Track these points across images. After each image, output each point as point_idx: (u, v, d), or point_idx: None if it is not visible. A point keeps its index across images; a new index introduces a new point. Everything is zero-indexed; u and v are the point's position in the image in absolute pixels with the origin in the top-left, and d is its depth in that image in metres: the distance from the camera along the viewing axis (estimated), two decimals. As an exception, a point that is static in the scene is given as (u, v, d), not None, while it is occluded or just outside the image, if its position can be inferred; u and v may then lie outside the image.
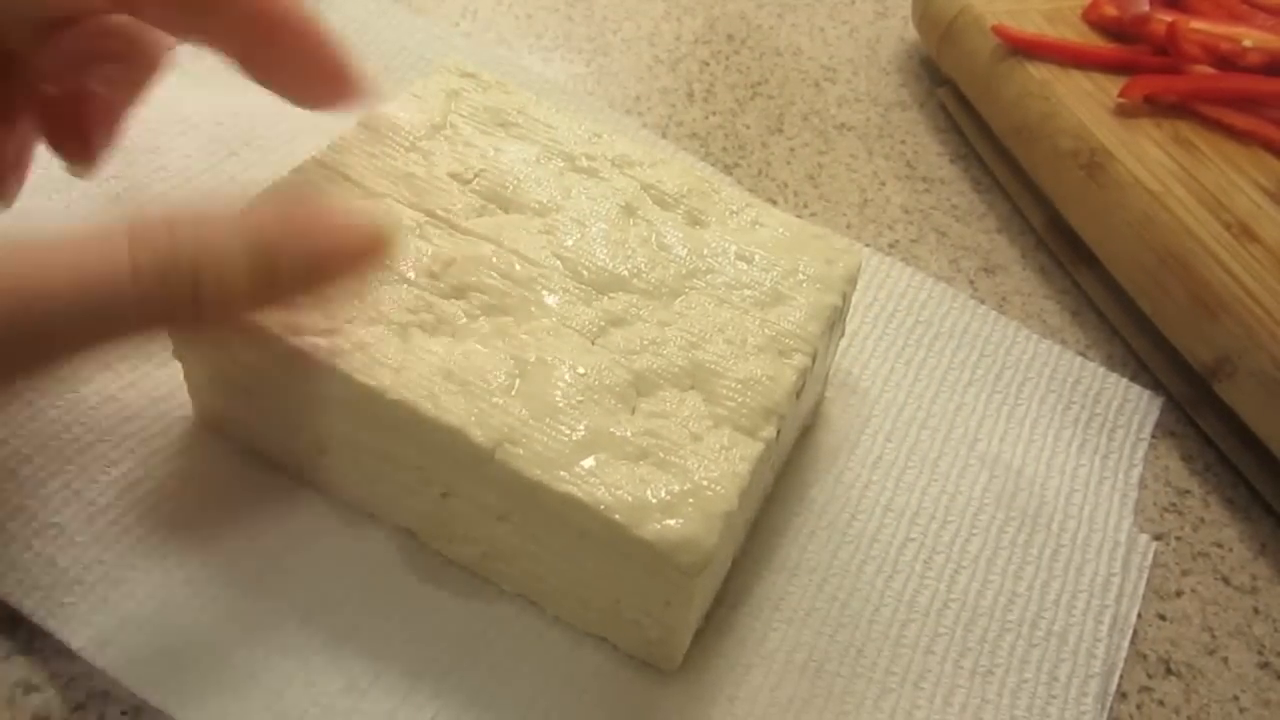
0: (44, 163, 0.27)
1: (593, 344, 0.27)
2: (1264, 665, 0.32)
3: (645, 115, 0.46)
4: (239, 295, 0.21)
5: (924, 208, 0.45)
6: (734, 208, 0.32)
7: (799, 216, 0.41)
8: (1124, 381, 0.39)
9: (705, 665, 0.28)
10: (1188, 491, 0.36)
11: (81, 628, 0.25)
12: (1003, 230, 0.45)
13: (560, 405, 0.25)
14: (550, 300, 0.27)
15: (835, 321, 0.30)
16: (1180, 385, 0.39)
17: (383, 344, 0.25)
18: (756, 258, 0.30)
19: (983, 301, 0.41)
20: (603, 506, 0.23)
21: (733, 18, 0.53)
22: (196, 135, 0.38)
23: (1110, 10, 0.47)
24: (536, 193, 0.30)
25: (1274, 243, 0.37)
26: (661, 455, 0.25)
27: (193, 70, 0.41)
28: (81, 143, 0.27)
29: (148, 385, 0.30)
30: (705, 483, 0.24)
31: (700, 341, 0.27)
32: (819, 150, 0.47)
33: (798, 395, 0.28)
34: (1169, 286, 0.38)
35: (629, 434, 0.25)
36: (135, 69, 0.27)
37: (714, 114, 0.47)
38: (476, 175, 0.30)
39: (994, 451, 0.35)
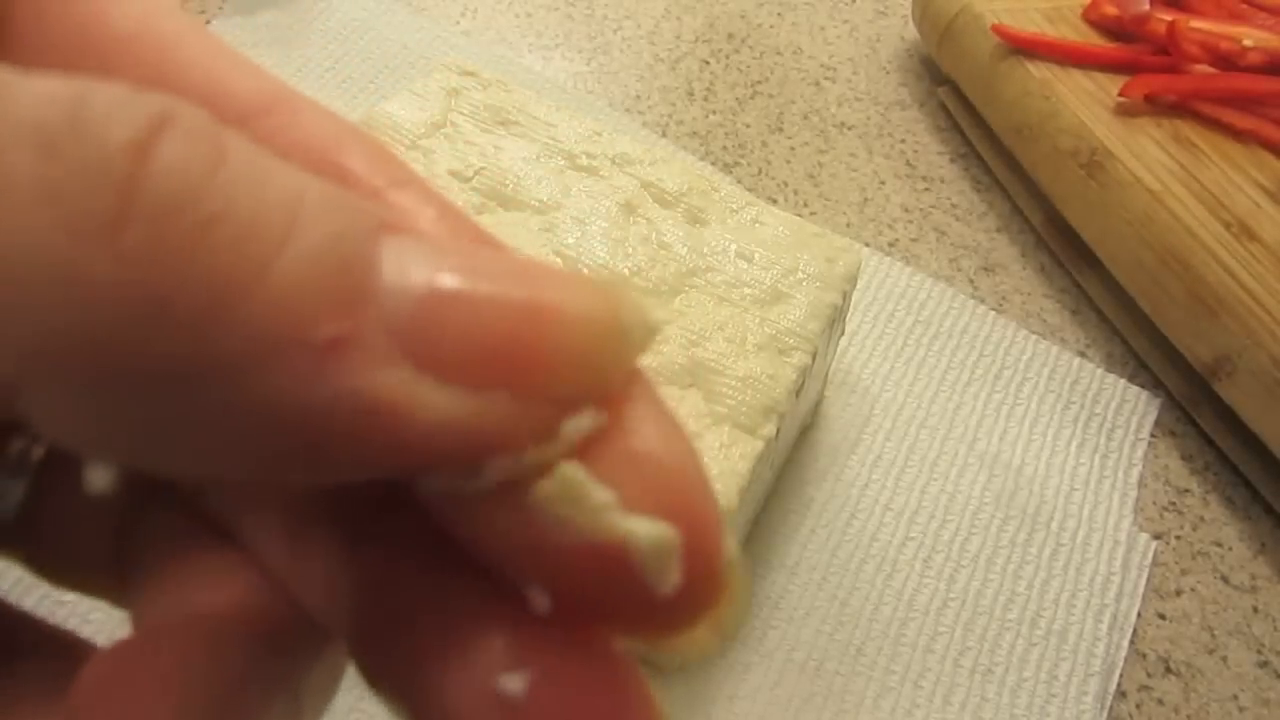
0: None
1: (592, 342, 0.27)
2: (1263, 664, 0.32)
3: (645, 114, 0.46)
4: None
5: (924, 207, 0.45)
6: (734, 206, 0.32)
7: (799, 215, 0.41)
8: (1123, 381, 0.39)
9: (705, 664, 0.28)
10: (1187, 491, 0.36)
11: (81, 626, 0.25)
12: (1003, 229, 0.45)
13: (560, 403, 0.25)
14: (550, 298, 0.27)
15: (835, 320, 0.30)
16: (1180, 384, 0.39)
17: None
18: (756, 256, 0.30)
19: (982, 300, 0.41)
20: (602, 504, 0.23)
21: (733, 17, 0.53)
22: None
23: (1110, 9, 0.47)
24: (536, 191, 0.30)
25: (1274, 242, 0.37)
26: (661, 453, 0.25)
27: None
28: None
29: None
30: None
31: (700, 339, 0.27)
32: (819, 149, 0.47)
33: (797, 394, 0.28)
34: (1169, 285, 0.38)
35: (629, 432, 0.25)
36: None
37: (714, 113, 0.47)
38: (476, 173, 0.30)
39: (993, 451, 0.35)
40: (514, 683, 0.09)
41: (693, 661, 0.09)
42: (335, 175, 0.11)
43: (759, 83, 0.50)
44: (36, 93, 0.08)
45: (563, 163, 0.31)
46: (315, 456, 0.09)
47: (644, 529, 0.09)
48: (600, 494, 0.09)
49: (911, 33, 0.54)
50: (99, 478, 0.10)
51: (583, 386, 0.09)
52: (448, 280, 0.09)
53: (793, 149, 0.46)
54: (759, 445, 0.26)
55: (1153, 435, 0.37)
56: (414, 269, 0.09)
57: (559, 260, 0.28)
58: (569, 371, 0.09)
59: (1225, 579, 0.34)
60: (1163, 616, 0.33)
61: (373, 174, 0.11)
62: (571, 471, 0.09)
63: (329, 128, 0.12)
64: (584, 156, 0.32)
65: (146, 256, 0.08)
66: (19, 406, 0.08)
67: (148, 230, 0.08)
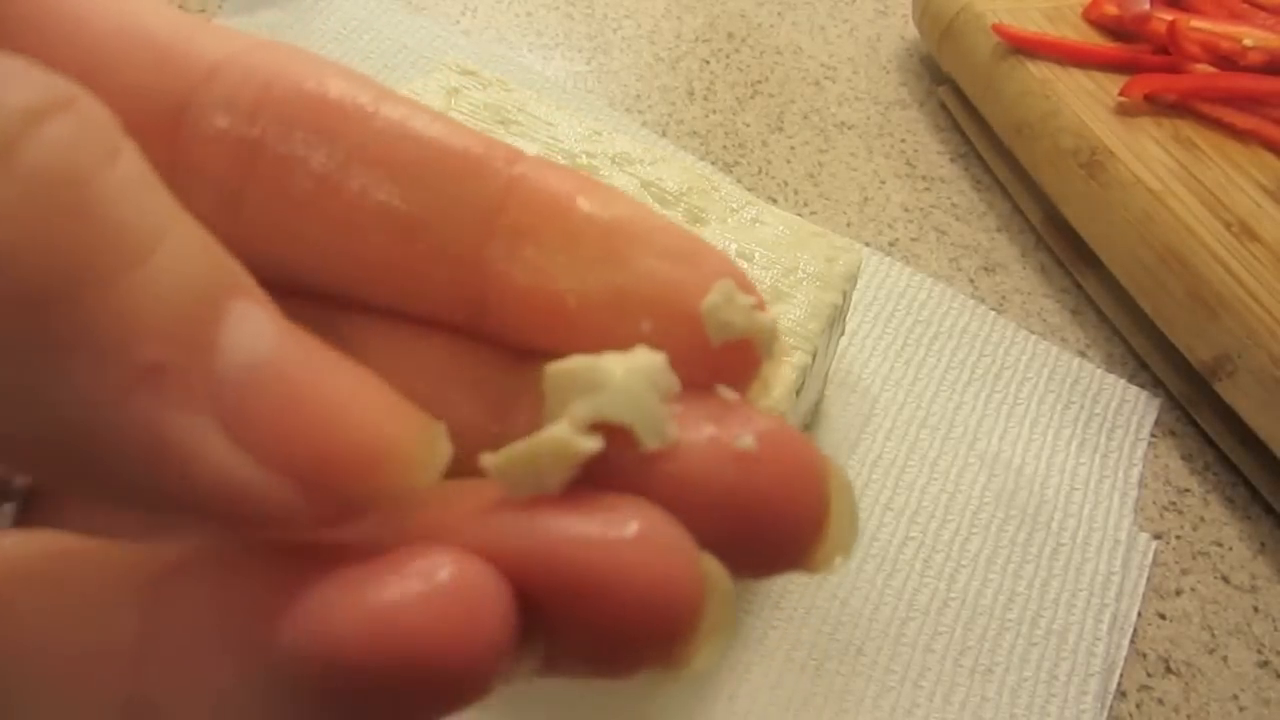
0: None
1: (592, 342, 0.27)
2: (1263, 664, 0.32)
3: (645, 113, 0.46)
4: None
5: (924, 206, 0.45)
6: (734, 206, 0.32)
7: (799, 215, 0.41)
8: (1123, 381, 0.39)
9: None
10: (1187, 490, 0.36)
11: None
12: (1003, 229, 0.45)
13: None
14: (550, 298, 0.27)
15: (835, 320, 0.30)
16: (1180, 384, 0.39)
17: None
18: (756, 256, 0.30)
19: (983, 300, 0.41)
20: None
21: (733, 16, 0.53)
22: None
23: (1111, 9, 0.47)
24: (536, 190, 0.30)
25: (1274, 241, 0.37)
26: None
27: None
28: None
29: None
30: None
31: (700, 339, 0.27)
32: (819, 149, 0.47)
33: (798, 393, 0.28)
34: (1169, 285, 0.38)
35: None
36: None
37: (714, 112, 0.47)
38: (476, 173, 0.30)
39: (994, 450, 0.35)
40: (747, 440, 0.11)
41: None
42: (319, 101, 0.12)
43: (759, 82, 0.49)
44: None
45: (563, 162, 0.31)
46: (94, 469, 0.09)
47: (768, 320, 0.12)
48: (746, 298, 0.12)
49: (911, 32, 0.54)
50: None
51: (364, 499, 0.10)
52: (278, 363, 0.09)
53: (793, 148, 0.46)
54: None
55: (1153, 435, 0.37)
56: (254, 337, 0.09)
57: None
58: (353, 485, 0.10)
59: (1225, 579, 0.34)
60: (1163, 616, 0.33)
61: (356, 93, 0.12)
62: (727, 284, 0.12)
63: (308, 62, 0.12)
64: (584, 156, 0.32)
65: (16, 209, 0.08)
66: None
67: (18, 190, 0.08)
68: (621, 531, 0.10)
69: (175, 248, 0.09)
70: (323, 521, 0.10)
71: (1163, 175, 0.40)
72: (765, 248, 0.30)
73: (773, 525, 0.11)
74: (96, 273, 0.08)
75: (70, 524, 0.12)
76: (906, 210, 0.45)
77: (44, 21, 0.12)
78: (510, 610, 0.10)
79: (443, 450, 0.10)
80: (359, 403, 0.10)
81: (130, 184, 0.09)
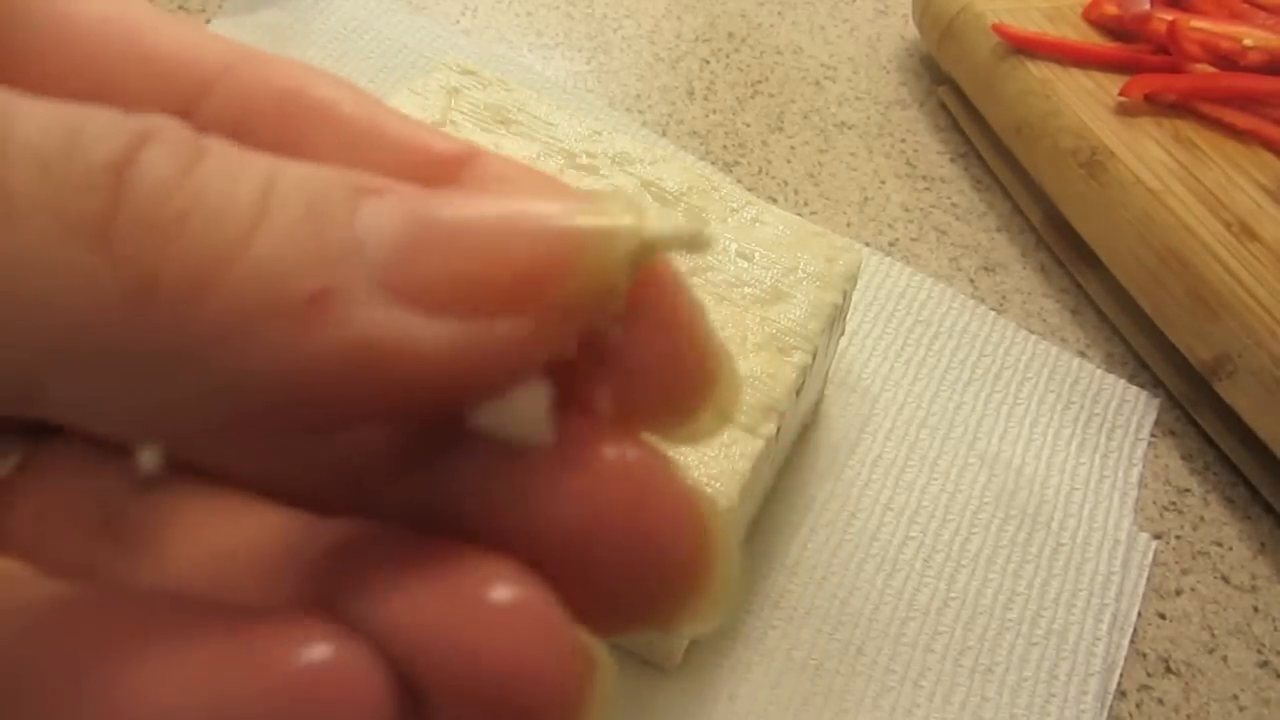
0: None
1: (593, 341, 0.27)
2: (1263, 664, 0.32)
3: (645, 113, 0.46)
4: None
5: (924, 206, 0.45)
6: (734, 205, 0.32)
7: (799, 215, 0.41)
8: (1123, 381, 0.39)
9: (705, 663, 0.28)
10: (1187, 490, 0.36)
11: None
12: (1003, 229, 0.45)
13: (560, 403, 0.25)
14: (550, 297, 0.27)
15: (835, 319, 0.30)
16: (1180, 384, 0.39)
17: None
18: (756, 255, 0.30)
19: (983, 300, 0.41)
20: (602, 504, 0.23)
21: (733, 16, 0.53)
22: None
23: (1111, 9, 0.47)
24: (536, 190, 0.30)
25: (1274, 241, 0.37)
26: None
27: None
28: None
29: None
30: (705, 479, 0.24)
31: (700, 339, 0.27)
32: (819, 148, 0.47)
33: (798, 393, 0.28)
34: (1169, 285, 0.38)
35: (629, 431, 0.25)
36: None
37: (714, 112, 0.47)
38: (476, 172, 0.30)
39: (994, 450, 0.35)
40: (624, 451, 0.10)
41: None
42: (310, 108, 0.12)
43: (759, 82, 0.49)
44: (35, 119, 0.09)
45: (563, 162, 0.31)
46: (326, 405, 0.09)
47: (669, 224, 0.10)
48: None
49: (911, 32, 0.54)
50: (148, 459, 0.10)
51: (583, 294, 0.10)
52: (419, 217, 0.10)
53: (793, 148, 0.46)
54: (759, 444, 0.26)
55: (1153, 435, 0.37)
56: (389, 217, 0.10)
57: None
58: (557, 285, 0.09)
59: (1225, 579, 0.34)
60: (1163, 616, 0.33)
61: (354, 106, 0.12)
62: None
63: (297, 70, 0.13)
64: (584, 156, 0.32)
65: (133, 245, 0.09)
66: (50, 399, 0.09)
67: (132, 223, 0.09)
68: (488, 599, 0.09)
69: (284, 189, 0.09)
70: (556, 340, 0.10)
71: (1163, 175, 0.40)
72: (765, 248, 0.30)
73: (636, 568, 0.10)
74: (221, 253, 0.09)
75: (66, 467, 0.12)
76: (906, 210, 0.45)
77: (47, 47, 0.12)
78: (383, 695, 0.09)
79: (633, 218, 0.10)
80: (516, 210, 0.10)
81: (219, 167, 0.09)
